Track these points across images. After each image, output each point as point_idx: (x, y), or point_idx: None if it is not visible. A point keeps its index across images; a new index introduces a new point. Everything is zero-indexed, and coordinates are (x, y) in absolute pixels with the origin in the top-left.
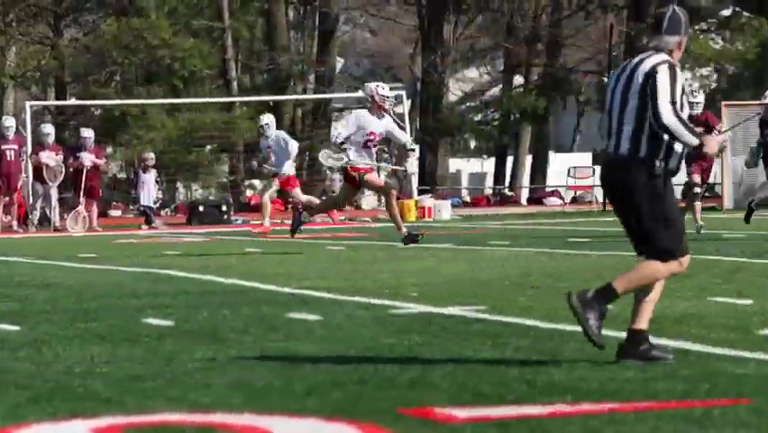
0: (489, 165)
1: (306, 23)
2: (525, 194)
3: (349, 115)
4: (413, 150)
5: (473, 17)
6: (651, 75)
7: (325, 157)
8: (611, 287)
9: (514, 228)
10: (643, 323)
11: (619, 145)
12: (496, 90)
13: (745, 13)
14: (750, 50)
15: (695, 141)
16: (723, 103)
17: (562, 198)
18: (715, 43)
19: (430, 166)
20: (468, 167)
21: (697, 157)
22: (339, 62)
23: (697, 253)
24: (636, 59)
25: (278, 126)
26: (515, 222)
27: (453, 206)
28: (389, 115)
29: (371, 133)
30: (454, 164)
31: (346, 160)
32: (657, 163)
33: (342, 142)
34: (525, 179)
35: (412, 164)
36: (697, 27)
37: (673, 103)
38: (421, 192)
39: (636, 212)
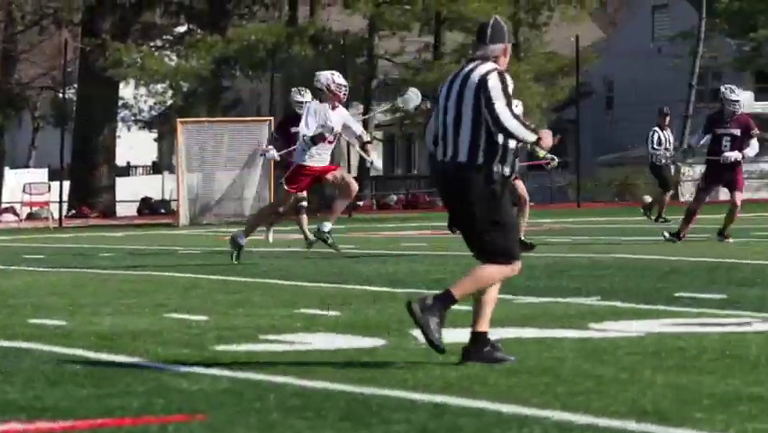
0: None
1: None
2: None
3: (308, 106)
4: (370, 142)
5: None
6: (482, 84)
7: (414, 97)
8: (449, 293)
9: None
10: (484, 325)
11: (457, 153)
12: None
13: (199, 30)
14: (205, 66)
15: (534, 137)
16: (178, 120)
17: (17, 214)
18: (170, 60)
19: None
20: None
21: None
22: None
23: (155, 270)
24: (467, 69)
25: None
26: None
27: None
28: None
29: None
30: None
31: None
32: (495, 169)
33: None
34: None
35: (374, 156)
36: (152, 44)
37: (509, 105)
38: None
39: (473, 217)
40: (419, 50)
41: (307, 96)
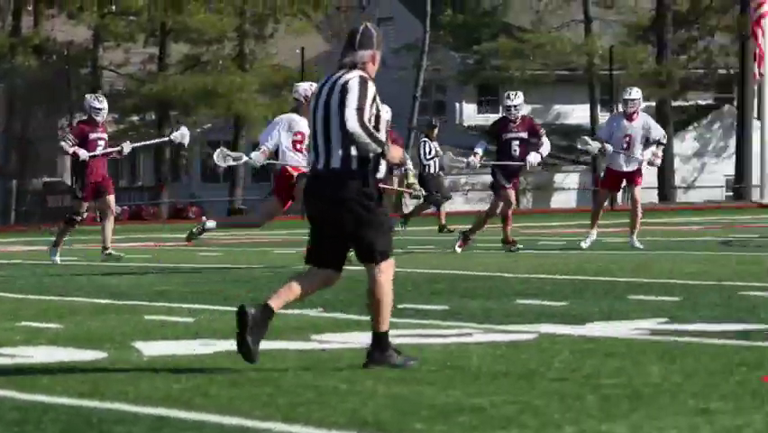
0: None
1: None
2: None
3: (277, 121)
4: None
5: None
6: (344, 90)
7: (221, 156)
8: (379, 332)
9: None
10: (278, 302)
11: (330, 161)
12: None
13: None
14: None
15: (378, 148)
16: None
17: None
18: None
19: None
20: None
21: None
22: None
23: None
24: (335, 76)
25: None
26: None
27: None
28: None
29: (298, 133)
30: None
31: (246, 158)
32: (369, 174)
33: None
34: None
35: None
36: None
37: (359, 110)
38: None
39: (353, 222)
40: (144, 62)
41: (105, 102)
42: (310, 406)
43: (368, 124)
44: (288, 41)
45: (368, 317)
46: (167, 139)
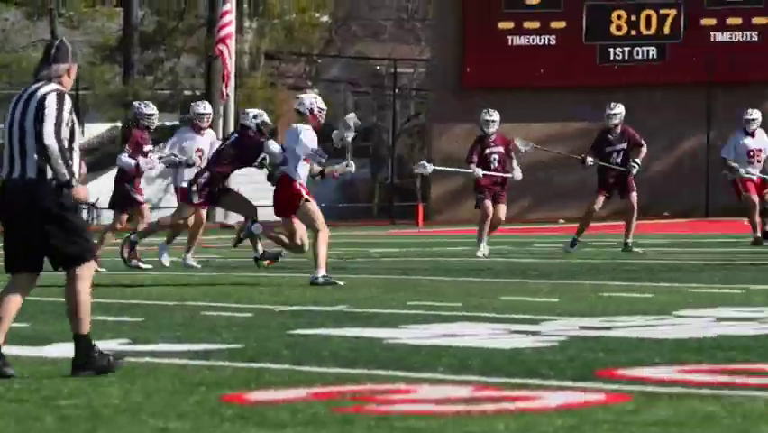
0: None
1: None
2: None
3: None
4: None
5: None
6: (41, 102)
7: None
8: (80, 336)
9: None
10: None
11: (25, 171)
12: None
13: None
14: None
15: (65, 176)
16: None
17: None
18: None
19: None
20: None
21: None
22: None
23: None
24: (32, 88)
25: None
26: None
27: None
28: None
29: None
30: None
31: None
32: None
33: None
34: None
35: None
36: None
37: (57, 126)
38: None
39: (51, 230)
40: None
41: None
42: None
43: (64, 146)
44: None
45: None
46: None
